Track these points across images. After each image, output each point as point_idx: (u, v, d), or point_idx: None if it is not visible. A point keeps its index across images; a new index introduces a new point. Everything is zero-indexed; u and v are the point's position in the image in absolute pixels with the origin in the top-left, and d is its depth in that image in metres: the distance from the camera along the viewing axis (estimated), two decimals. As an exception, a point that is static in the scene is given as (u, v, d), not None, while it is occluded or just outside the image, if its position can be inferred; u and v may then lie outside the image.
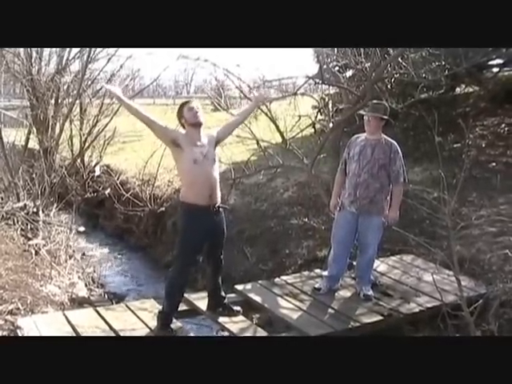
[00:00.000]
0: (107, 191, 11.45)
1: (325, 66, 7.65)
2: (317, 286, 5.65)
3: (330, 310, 5.21)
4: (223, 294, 5.18)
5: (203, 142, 4.69)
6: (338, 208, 5.56)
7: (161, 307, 4.91)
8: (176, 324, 4.83)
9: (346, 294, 5.61)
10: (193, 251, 4.74)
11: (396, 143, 5.39)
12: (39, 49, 11.67)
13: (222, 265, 5.09)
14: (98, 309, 5.27)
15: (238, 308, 5.16)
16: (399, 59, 6.88)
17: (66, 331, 4.66)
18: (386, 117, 5.35)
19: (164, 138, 4.73)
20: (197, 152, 4.62)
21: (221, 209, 4.83)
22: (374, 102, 5.63)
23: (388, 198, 5.41)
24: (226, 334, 4.96)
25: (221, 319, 5.03)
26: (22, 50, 11.28)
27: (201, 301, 5.28)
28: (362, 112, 5.64)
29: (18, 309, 5.66)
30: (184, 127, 4.76)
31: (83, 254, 9.24)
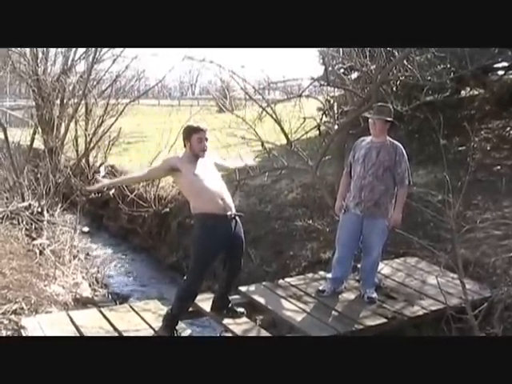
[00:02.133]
0: (112, 192, 11.47)
1: (330, 68, 7.65)
2: (321, 288, 5.64)
3: (333, 313, 5.21)
4: (228, 298, 5.19)
5: (201, 161, 4.80)
6: (343, 210, 5.55)
7: (167, 308, 4.93)
8: (180, 325, 4.84)
9: (349, 296, 5.60)
10: (210, 260, 4.77)
11: (401, 145, 5.38)
12: (45, 49, 11.72)
13: (239, 273, 5.15)
14: (101, 309, 5.28)
15: (241, 309, 5.17)
16: (405, 62, 6.88)
17: (70, 331, 4.67)
18: (391, 119, 5.34)
19: (164, 175, 5.11)
20: (195, 168, 4.72)
21: (237, 217, 4.85)
22: (379, 104, 5.60)
23: (393, 200, 5.40)
24: (229, 335, 4.95)
25: (224, 321, 5.02)
26: (27, 50, 11.33)
27: (204, 302, 5.27)
28: (367, 115, 5.63)
29: (22, 308, 5.67)
30: (185, 146, 4.86)
31: (87, 254, 9.24)
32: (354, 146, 5.58)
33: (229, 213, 4.71)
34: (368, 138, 5.48)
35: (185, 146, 4.84)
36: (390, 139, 5.40)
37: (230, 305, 5.14)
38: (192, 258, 4.80)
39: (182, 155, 4.85)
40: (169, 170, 4.78)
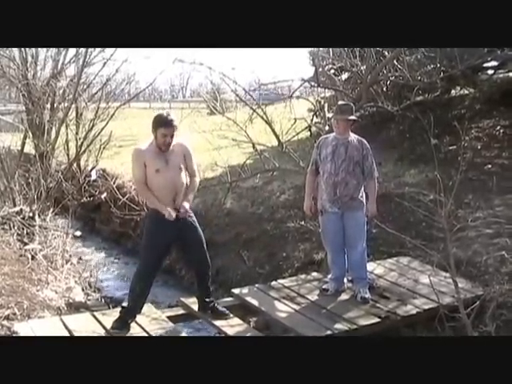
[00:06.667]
0: (103, 195, 11.42)
1: (320, 69, 7.68)
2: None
3: (327, 313, 5.21)
4: (209, 298, 5.20)
5: (167, 151, 4.75)
6: (320, 212, 5.58)
7: (159, 310, 4.96)
8: (174, 328, 4.83)
9: (343, 296, 5.61)
10: (154, 254, 4.86)
11: (365, 140, 5.49)
12: (34, 53, 11.66)
13: (208, 270, 5.15)
14: (94, 313, 5.26)
15: (224, 310, 5.18)
16: (395, 62, 6.91)
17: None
18: (353, 117, 5.40)
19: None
20: (158, 162, 4.70)
21: (189, 217, 4.90)
22: (341, 103, 5.69)
23: (362, 192, 5.51)
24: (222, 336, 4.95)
25: (218, 323, 5.02)
26: (17, 54, 11.27)
27: (196, 305, 5.26)
28: (329, 115, 5.67)
29: (15, 314, 5.63)
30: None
31: (80, 259, 9.19)
32: (319, 144, 5.62)
33: (177, 209, 4.76)
34: (331, 136, 5.55)
35: (153, 133, 4.77)
36: (354, 135, 5.50)
37: (213, 306, 5.17)
38: (142, 250, 4.99)
39: (147, 146, 4.78)
40: (144, 166, 4.74)
